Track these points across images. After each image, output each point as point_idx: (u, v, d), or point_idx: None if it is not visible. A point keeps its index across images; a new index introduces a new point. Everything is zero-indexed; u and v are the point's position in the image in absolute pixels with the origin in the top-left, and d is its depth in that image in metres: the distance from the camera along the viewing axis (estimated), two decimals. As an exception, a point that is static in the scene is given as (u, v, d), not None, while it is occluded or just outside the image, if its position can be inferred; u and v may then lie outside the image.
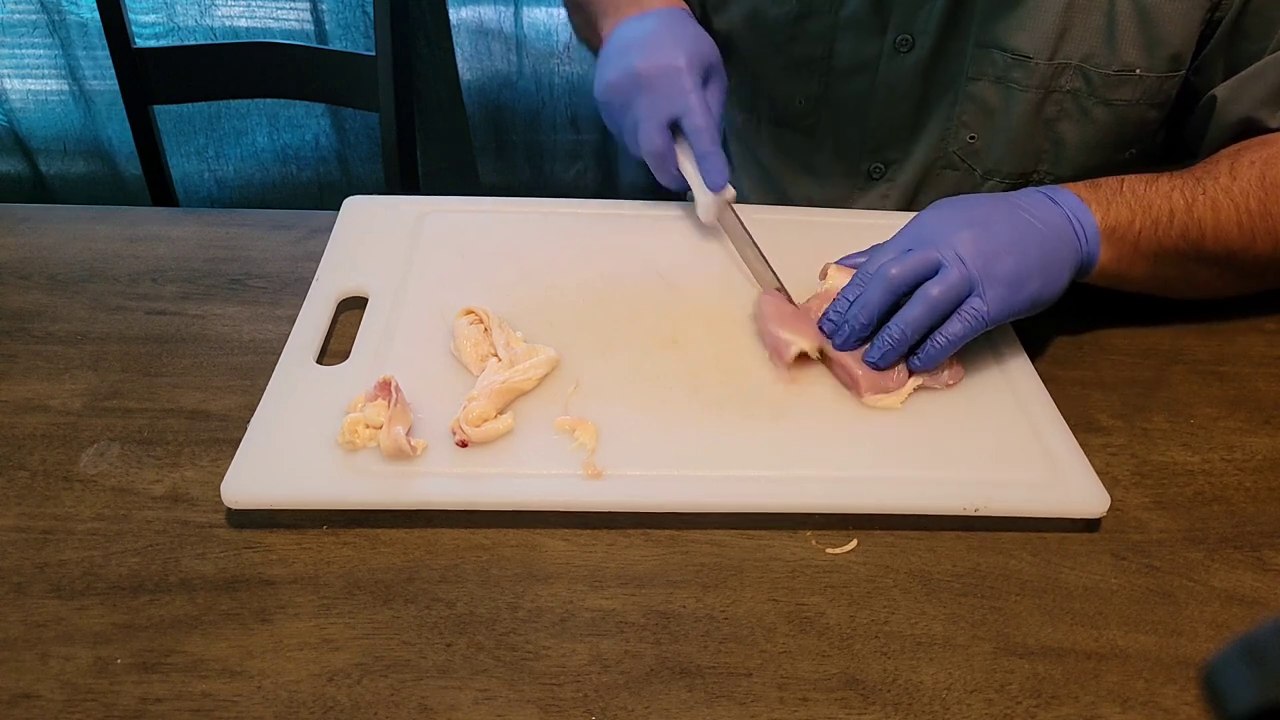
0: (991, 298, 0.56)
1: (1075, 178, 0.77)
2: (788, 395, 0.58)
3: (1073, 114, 0.73)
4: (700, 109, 0.66)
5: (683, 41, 0.67)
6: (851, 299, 0.58)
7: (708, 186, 0.67)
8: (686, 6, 0.74)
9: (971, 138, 0.76)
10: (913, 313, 0.56)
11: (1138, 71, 0.69)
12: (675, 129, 0.68)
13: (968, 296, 0.56)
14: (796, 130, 0.84)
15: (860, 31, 0.75)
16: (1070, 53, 0.70)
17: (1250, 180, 0.61)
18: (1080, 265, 0.60)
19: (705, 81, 0.68)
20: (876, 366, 0.57)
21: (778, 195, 0.89)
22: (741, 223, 0.68)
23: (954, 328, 0.56)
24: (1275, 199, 0.61)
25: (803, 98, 0.81)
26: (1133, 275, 0.63)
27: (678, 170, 0.68)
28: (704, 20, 0.87)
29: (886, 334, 0.56)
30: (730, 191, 0.67)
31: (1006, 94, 0.73)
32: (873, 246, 0.62)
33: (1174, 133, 0.76)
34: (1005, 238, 0.57)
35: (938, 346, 0.56)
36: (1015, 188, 0.77)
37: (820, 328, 0.60)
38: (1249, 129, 0.67)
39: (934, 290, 0.55)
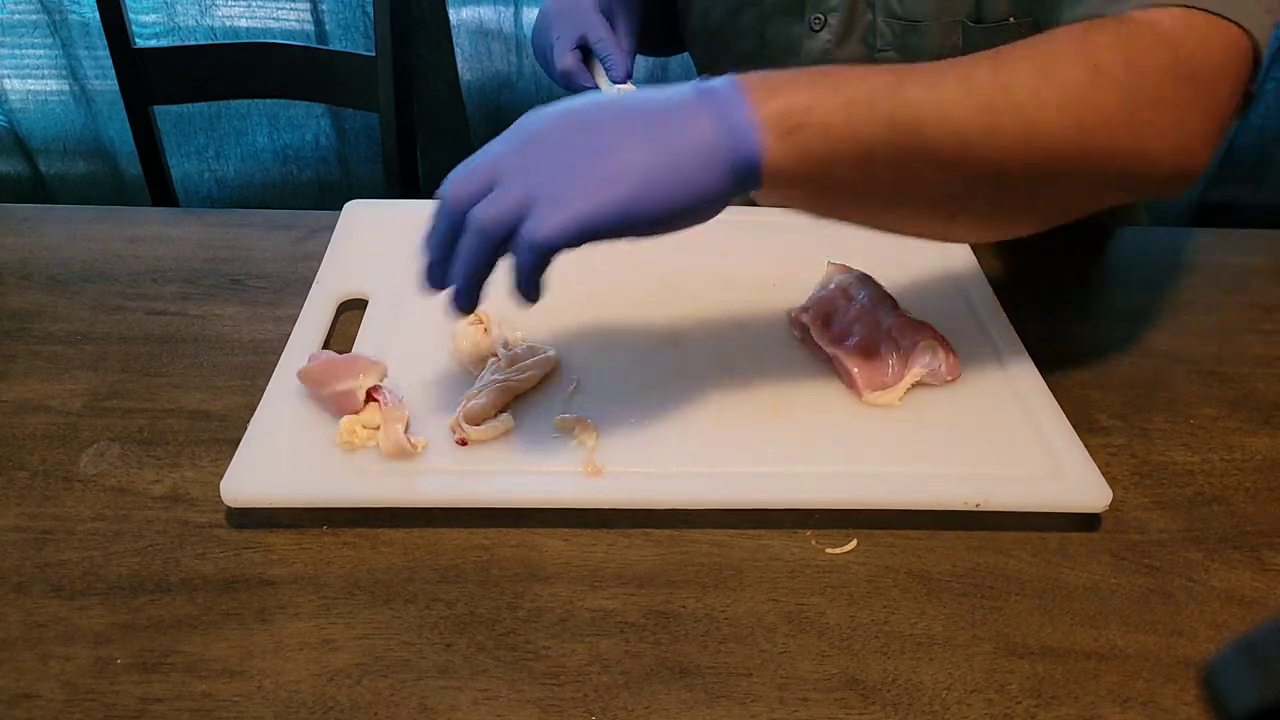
0: (543, 220, 0.44)
1: None
2: (787, 393, 0.58)
3: None
4: (600, 25, 0.73)
5: None
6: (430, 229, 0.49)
7: (611, 79, 0.73)
8: None
9: None
10: (467, 245, 0.47)
11: (1011, 20, 0.70)
12: (587, 55, 0.75)
13: (523, 219, 0.45)
14: None
15: (783, 17, 0.78)
16: (953, 10, 0.71)
17: (982, 56, 0.49)
18: (734, 165, 0.46)
19: (611, 13, 0.76)
20: (461, 310, 0.49)
21: None
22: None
23: (520, 257, 0.46)
24: (1015, 67, 0.47)
25: None
26: (836, 178, 0.48)
27: (591, 84, 0.74)
28: (680, 33, 0.92)
29: (452, 279, 0.49)
30: (629, 87, 0.72)
31: (909, 61, 0.74)
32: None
33: None
34: (577, 147, 0.46)
35: (521, 276, 0.47)
36: None
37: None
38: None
39: (481, 215, 0.46)
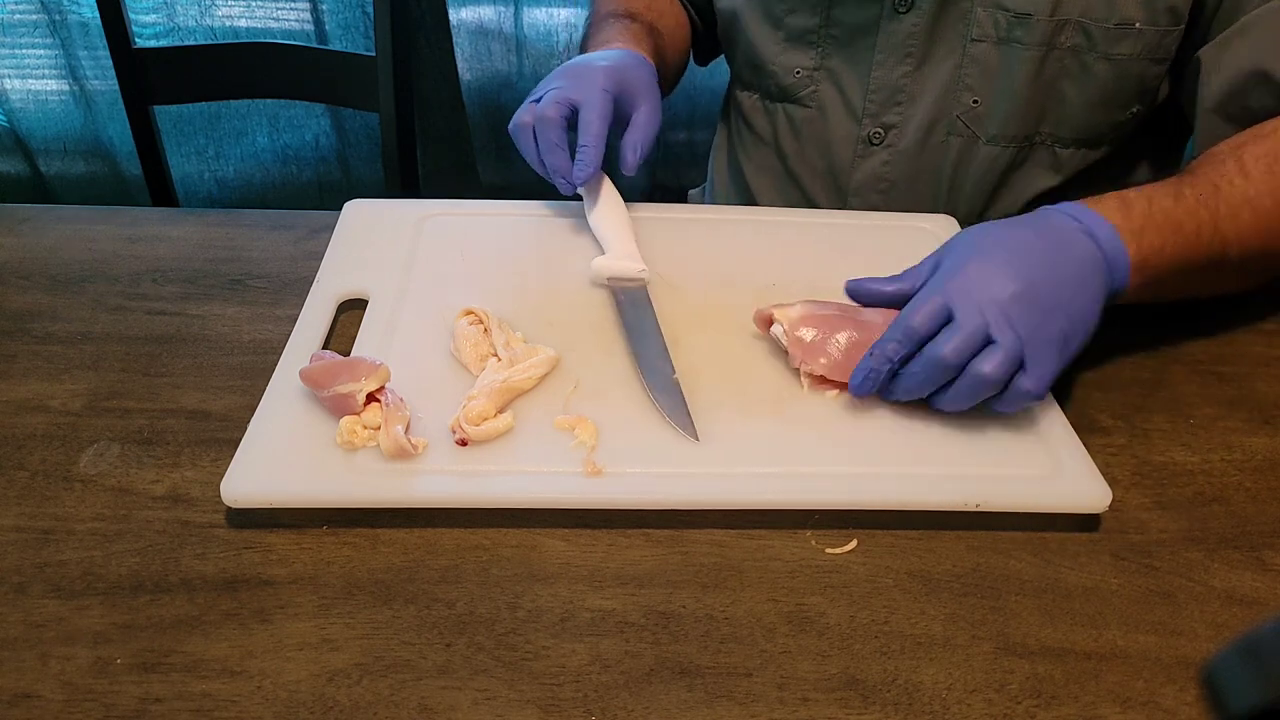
0: (1039, 375, 0.52)
1: (1078, 139, 0.77)
2: (787, 394, 0.58)
3: (1074, 71, 0.73)
4: (599, 106, 0.66)
5: (611, 58, 0.70)
6: (891, 359, 0.54)
7: (574, 175, 0.68)
8: (642, 54, 0.76)
9: (975, 101, 0.76)
10: (928, 374, 0.53)
11: (1137, 25, 0.70)
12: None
13: (1015, 373, 0.53)
14: (795, 102, 0.84)
15: None
16: (1070, 9, 0.70)
17: (1259, 175, 0.61)
18: (1108, 302, 0.57)
19: (630, 106, 0.70)
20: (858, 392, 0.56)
21: (782, 170, 0.89)
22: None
23: (1007, 402, 0.54)
24: None
25: (800, 68, 0.82)
26: (1152, 295, 0.61)
27: (559, 141, 0.67)
28: (708, 5, 0.88)
29: (941, 404, 0.55)
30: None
31: (1009, 54, 0.73)
32: (897, 281, 0.59)
33: (1177, 91, 0.76)
34: (1052, 299, 0.53)
35: (989, 402, 0.54)
36: (1019, 152, 0.78)
37: (851, 382, 0.56)
38: (1246, 85, 0.67)
39: (985, 368, 0.52)
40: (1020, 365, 0.52)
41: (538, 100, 0.69)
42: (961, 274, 0.55)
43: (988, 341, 0.52)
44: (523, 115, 0.69)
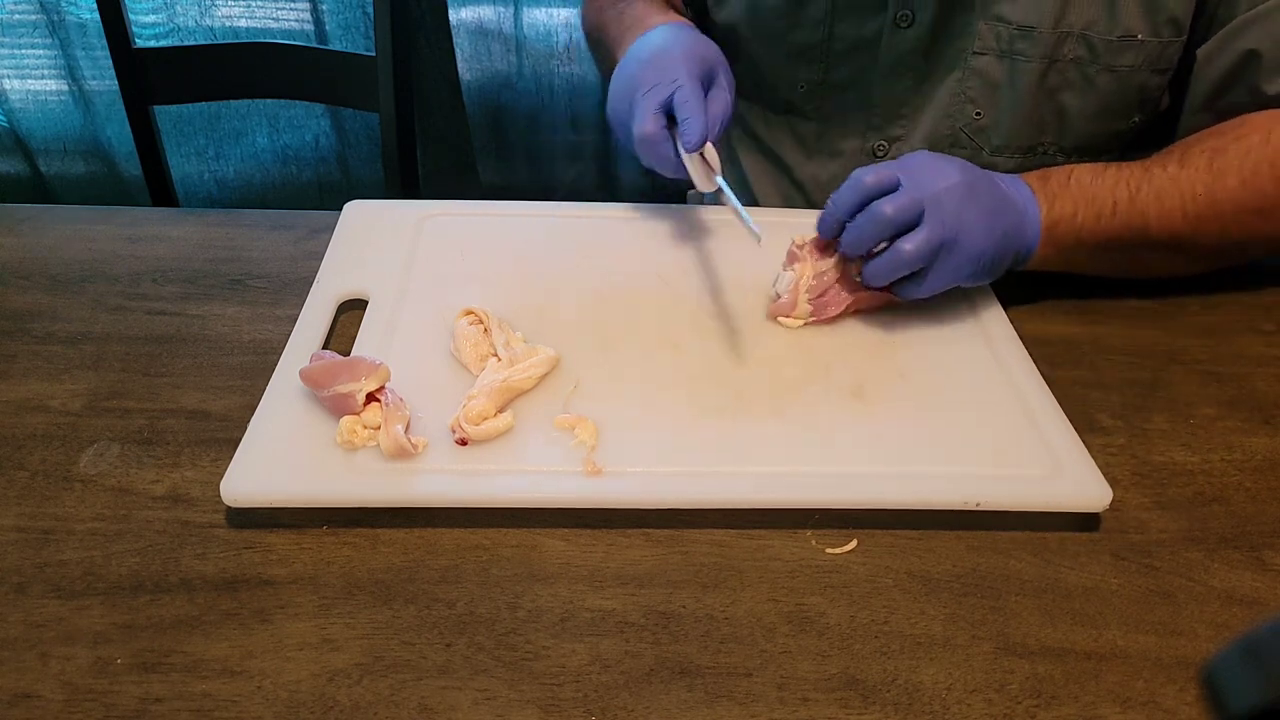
0: (946, 267, 0.60)
1: (1079, 149, 0.78)
2: (787, 393, 0.58)
3: (1076, 83, 0.74)
4: (690, 88, 0.65)
5: (681, 42, 0.68)
6: (839, 206, 0.62)
7: (683, 145, 0.65)
8: (690, 23, 0.75)
9: (977, 114, 0.77)
10: (881, 266, 0.60)
11: (1139, 37, 0.70)
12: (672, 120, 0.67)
13: (921, 271, 0.60)
14: (800, 115, 0.84)
15: (859, 12, 0.76)
16: (1073, 21, 0.71)
17: (1198, 167, 0.64)
18: (1017, 257, 0.64)
19: (709, 80, 0.68)
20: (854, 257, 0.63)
21: (786, 181, 0.89)
22: (732, 196, 0.65)
23: (906, 290, 0.62)
24: (1221, 185, 0.63)
25: (804, 83, 0.82)
26: (1076, 264, 0.66)
27: (673, 155, 0.66)
28: (702, 16, 0.88)
29: (866, 273, 0.62)
30: (708, 155, 0.66)
31: (1011, 66, 0.74)
32: (864, 171, 0.61)
33: (1178, 100, 0.76)
34: (986, 207, 0.60)
35: (894, 285, 0.62)
36: (1024, 162, 0.78)
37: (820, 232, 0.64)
38: (1232, 82, 0.69)
39: (907, 246, 0.59)
40: (934, 257, 0.59)
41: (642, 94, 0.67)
42: (915, 161, 0.62)
43: (920, 218, 0.58)
44: (643, 128, 0.66)
